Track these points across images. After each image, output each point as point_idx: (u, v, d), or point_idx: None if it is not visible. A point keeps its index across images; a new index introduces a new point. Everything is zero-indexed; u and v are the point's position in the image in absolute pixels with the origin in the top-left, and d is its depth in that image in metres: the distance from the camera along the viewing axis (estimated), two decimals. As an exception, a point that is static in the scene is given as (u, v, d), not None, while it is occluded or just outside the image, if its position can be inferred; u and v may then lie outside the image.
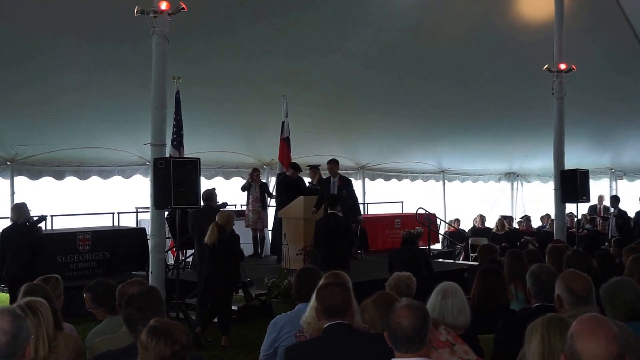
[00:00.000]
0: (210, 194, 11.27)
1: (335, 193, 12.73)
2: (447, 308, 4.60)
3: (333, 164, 13.28)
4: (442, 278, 5.81)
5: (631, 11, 16.78)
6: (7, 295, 10.89)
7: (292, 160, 14.91)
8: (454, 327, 4.53)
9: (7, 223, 10.67)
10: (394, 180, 20.94)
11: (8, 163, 14.22)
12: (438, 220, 18.69)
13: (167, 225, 11.44)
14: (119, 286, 5.17)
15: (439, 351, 4.27)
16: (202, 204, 10.91)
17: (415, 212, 17.09)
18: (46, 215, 11.66)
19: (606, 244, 16.54)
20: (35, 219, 10.64)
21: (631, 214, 18.46)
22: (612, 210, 18.45)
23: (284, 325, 5.26)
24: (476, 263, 14.78)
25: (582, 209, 18.17)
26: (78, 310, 7.59)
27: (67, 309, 6.48)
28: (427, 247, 15.36)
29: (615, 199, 18.62)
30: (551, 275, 5.05)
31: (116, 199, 16.17)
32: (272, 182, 16.60)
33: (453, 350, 4.35)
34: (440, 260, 15.73)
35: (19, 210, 10.35)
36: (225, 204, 13.55)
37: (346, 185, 13.13)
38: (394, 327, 3.51)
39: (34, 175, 14.60)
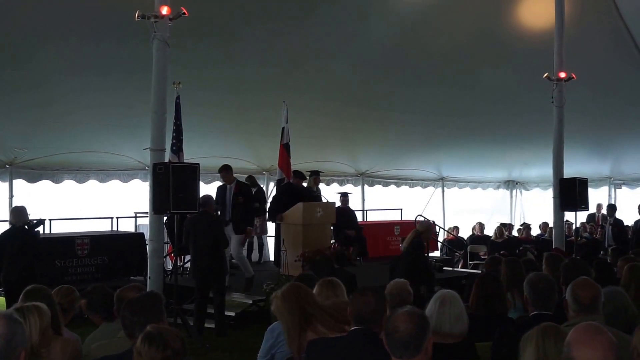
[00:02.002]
0: (208, 199, 11.28)
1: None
2: (443, 316, 4.56)
3: (225, 170, 12.45)
4: (440, 286, 5.81)
5: (631, 21, 16.78)
6: (3, 299, 10.88)
7: (292, 167, 14.79)
8: (450, 335, 4.50)
9: (6, 226, 10.67)
10: (392, 187, 20.93)
11: (7, 166, 14.22)
12: (437, 228, 18.66)
13: (165, 230, 11.41)
14: (117, 291, 5.16)
15: None
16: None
17: (414, 219, 17.08)
18: (44, 219, 11.60)
19: (602, 252, 16.51)
20: (34, 222, 10.64)
21: (630, 222, 18.43)
22: (608, 219, 18.44)
23: (281, 332, 5.15)
24: (475, 271, 14.84)
25: (581, 217, 18.14)
26: (75, 315, 7.56)
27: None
28: (426, 255, 15.34)
29: (611, 208, 18.61)
30: (548, 283, 5.07)
31: (115, 204, 16.16)
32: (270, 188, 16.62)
33: None
34: (439, 267, 15.68)
35: (18, 213, 10.34)
36: (218, 209, 13.52)
37: (243, 191, 12.45)
38: (391, 331, 3.53)
39: (33, 178, 14.60)
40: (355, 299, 4.26)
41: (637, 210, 17.37)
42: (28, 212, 10.55)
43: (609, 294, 4.81)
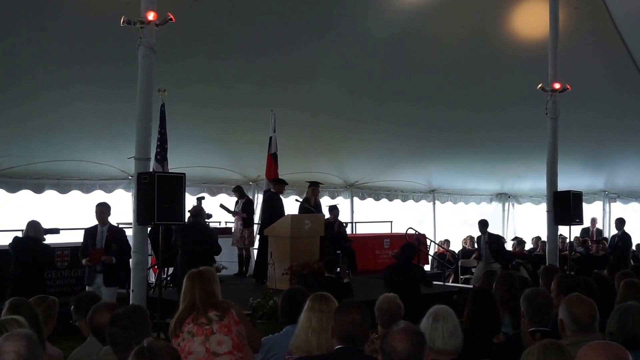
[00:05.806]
0: (200, 210, 11.15)
1: None
2: (437, 332, 4.39)
3: (101, 207, 10.78)
4: (431, 300, 5.68)
5: (626, 31, 16.67)
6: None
7: (280, 177, 14.56)
8: (445, 352, 4.35)
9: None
10: (384, 200, 20.67)
11: (-15, 175, 13.97)
12: (428, 241, 18.44)
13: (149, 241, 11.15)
14: (89, 313, 4.91)
15: (194, 339, 4.96)
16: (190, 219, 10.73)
17: (405, 232, 16.89)
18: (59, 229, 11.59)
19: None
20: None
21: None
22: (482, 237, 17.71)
23: (272, 347, 5.25)
24: (466, 286, 14.64)
25: (575, 231, 17.90)
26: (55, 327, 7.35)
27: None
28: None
29: (483, 224, 17.31)
30: (545, 298, 5.05)
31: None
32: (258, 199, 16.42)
33: (206, 340, 4.97)
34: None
35: (36, 228, 10.49)
36: (210, 215, 13.33)
37: (117, 238, 10.71)
38: (388, 351, 3.45)
39: (12, 188, 14.36)
40: (340, 318, 4.14)
41: (615, 224, 17.17)
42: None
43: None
